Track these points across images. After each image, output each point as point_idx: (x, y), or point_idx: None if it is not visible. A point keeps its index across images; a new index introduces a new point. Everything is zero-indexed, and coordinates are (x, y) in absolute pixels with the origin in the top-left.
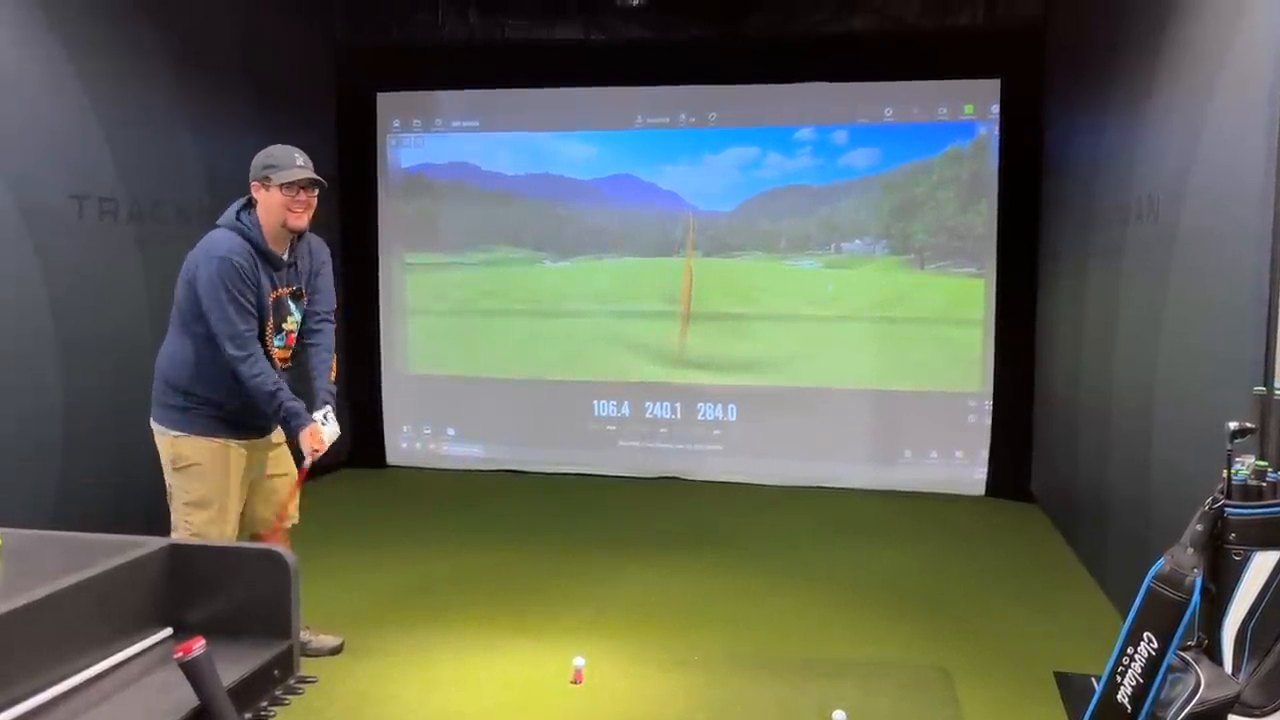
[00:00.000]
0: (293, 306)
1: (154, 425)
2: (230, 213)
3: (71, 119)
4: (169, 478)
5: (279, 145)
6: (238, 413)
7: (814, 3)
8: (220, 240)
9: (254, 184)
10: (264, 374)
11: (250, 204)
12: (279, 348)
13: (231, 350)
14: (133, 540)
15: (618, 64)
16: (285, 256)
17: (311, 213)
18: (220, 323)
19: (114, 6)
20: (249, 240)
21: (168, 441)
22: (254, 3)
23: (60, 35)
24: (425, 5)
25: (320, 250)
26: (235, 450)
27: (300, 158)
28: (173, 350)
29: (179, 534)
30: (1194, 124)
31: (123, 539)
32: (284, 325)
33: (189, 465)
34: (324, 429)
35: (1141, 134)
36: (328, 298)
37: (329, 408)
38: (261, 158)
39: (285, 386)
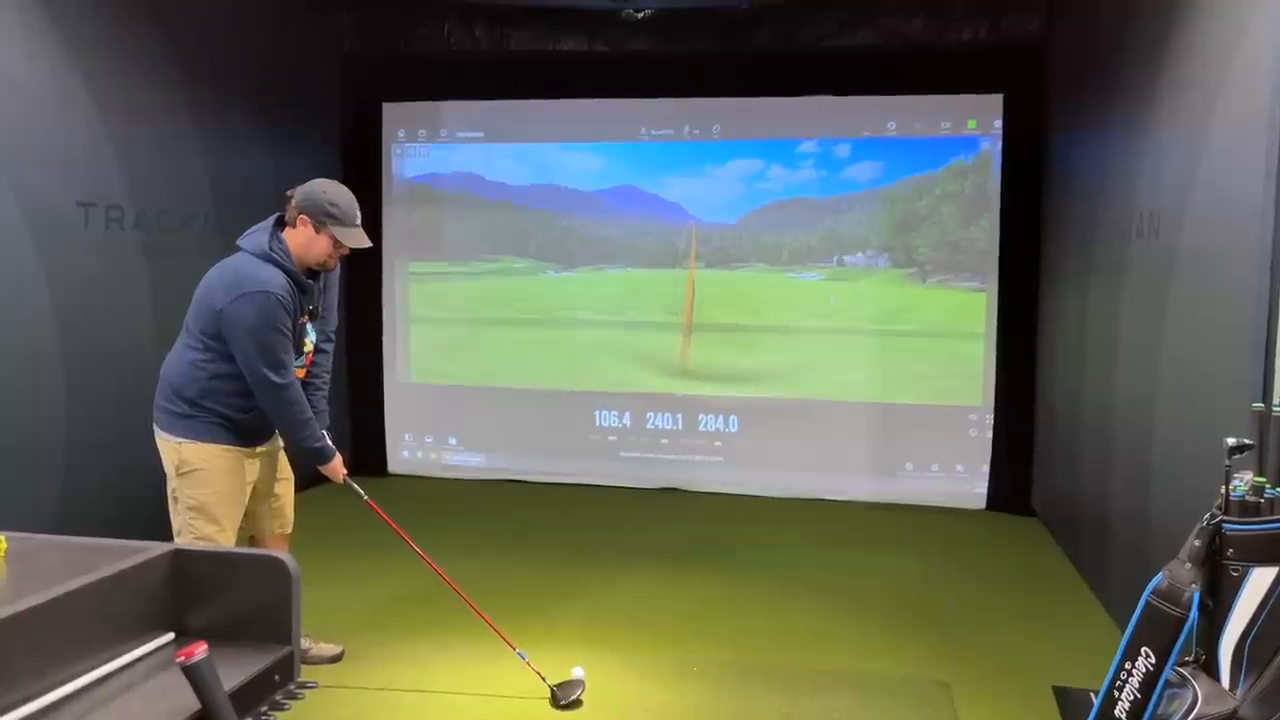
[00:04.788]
0: (309, 328)
1: (158, 431)
2: (261, 238)
3: (78, 127)
4: (173, 483)
5: (341, 189)
6: (245, 423)
7: (818, 17)
8: (258, 272)
9: (304, 217)
10: (300, 403)
11: (278, 224)
12: (297, 367)
13: (275, 378)
14: (136, 545)
15: (622, 76)
16: (308, 280)
17: None
18: (262, 353)
19: (121, 16)
20: (284, 270)
21: (173, 447)
22: (261, 12)
23: (68, 44)
24: (431, 17)
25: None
26: (241, 457)
27: (359, 214)
28: (183, 361)
29: (182, 540)
30: (1194, 141)
31: (126, 544)
32: (304, 348)
33: (194, 471)
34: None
35: (1142, 150)
36: (332, 317)
37: (327, 432)
38: (321, 196)
39: (314, 418)
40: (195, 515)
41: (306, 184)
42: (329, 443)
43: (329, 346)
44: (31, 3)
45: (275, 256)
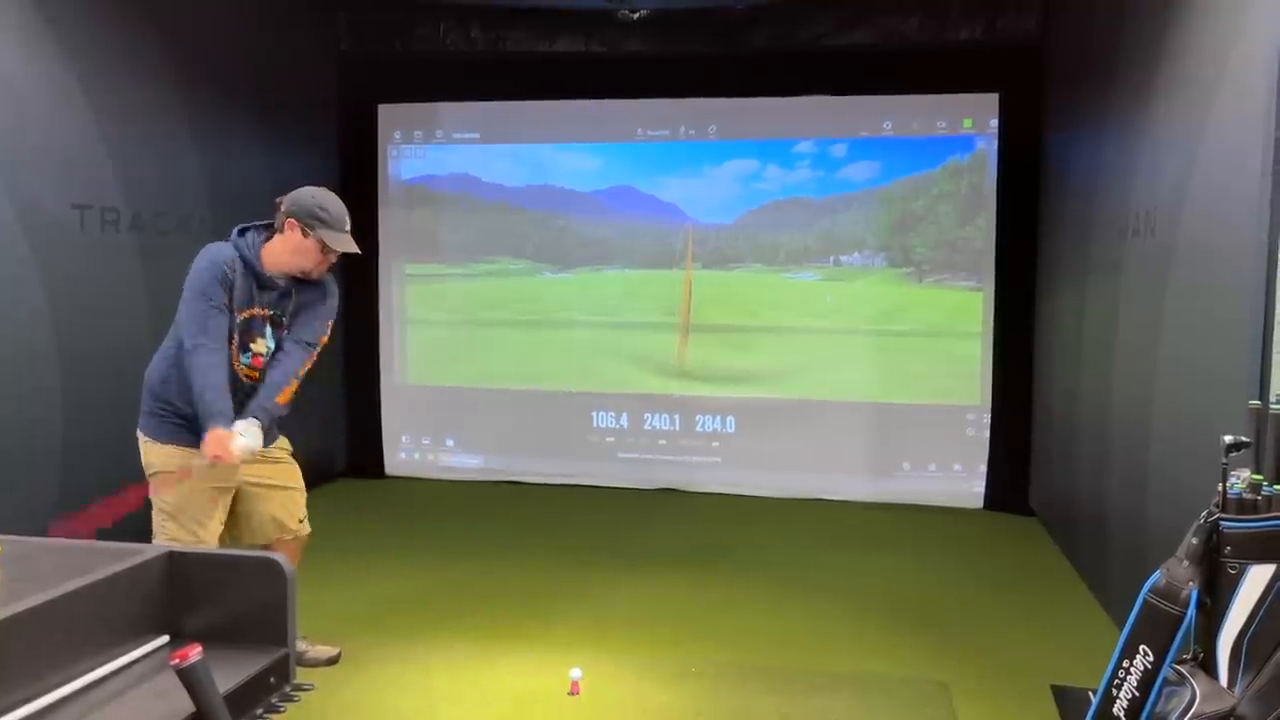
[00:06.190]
0: (267, 331)
1: (137, 431)
2: (234, 231)
3: (74, 130)
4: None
5: (330, 195)
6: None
7: (815, 17)
8: (213, 246)
9: (292, 221)
10: (206, 368)
11: (261, 229)
12: (245, 366)
13: (187, 341)
14: (130, 548)
15: (618, 77)
16: (281, 283)
17: None
18: (186, 314)
19: (117, 17)
20: (241, 256)
21: (142, 448)
22: (257, 14)
23: (63, 46)
24: (427, 18)
25: (329, 286)
26: (202, 460)
27: (348, 220)
28: (159, 357)
29: (156, 541)
30: (1191, 140)
31: (120, 546)
32: (251, 345)
33: (157, 473)
34: (237, 439)
35: (1139, 149)
36: (313, 330)
37: (256, 424)
38: (310, 200)
39: (219, 389)
40: (166, 519)
41: (295, 191)
42: (219, 414)
43: (296, 350)
44: (27, 3)
45: (239, 244)
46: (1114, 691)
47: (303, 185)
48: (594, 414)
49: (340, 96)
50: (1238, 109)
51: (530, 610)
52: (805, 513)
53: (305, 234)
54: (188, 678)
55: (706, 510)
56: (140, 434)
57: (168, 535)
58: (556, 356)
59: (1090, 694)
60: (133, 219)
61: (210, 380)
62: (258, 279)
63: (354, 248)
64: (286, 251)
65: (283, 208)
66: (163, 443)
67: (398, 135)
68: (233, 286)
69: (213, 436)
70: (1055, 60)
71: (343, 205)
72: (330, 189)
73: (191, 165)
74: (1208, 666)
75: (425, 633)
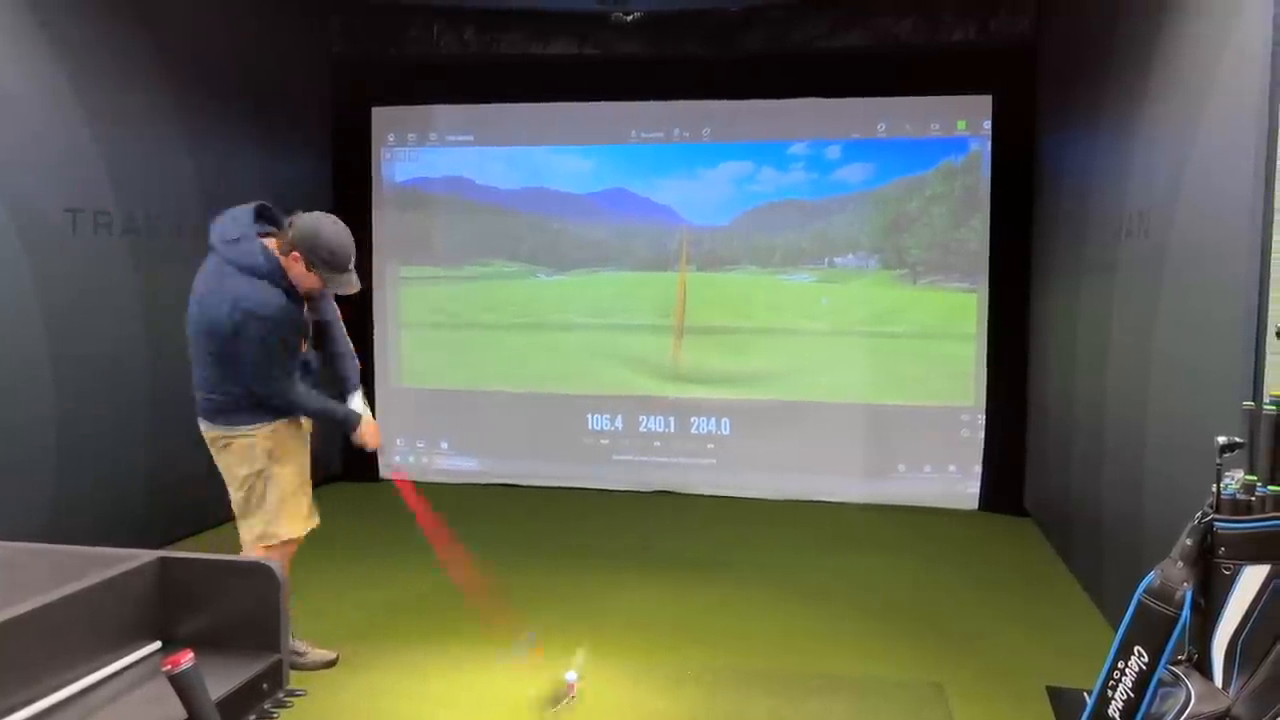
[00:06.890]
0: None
1: (232, 431)
2: (260, 259)
3: (67, 133)
4: (267, 470)
5: (339, 233)
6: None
7: (809, 19)
8: (269, 295)
9: (297, 253)
10: (305, 390)
11: (267, 249)
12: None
13: (278, 384)
14: (123, 554)
15: (612, 79)
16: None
17: None
18: (270, 365)
19: (110, 21)
20: (286, 292)
21: (262, 437)
22: (250, 17)
23: (56, 50)
24: (421, 20)
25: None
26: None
27: (353, 258)
28: (225, 372)
29: (274, 532)
30: (1184, 141)
31: (113, 552)
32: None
33: (275, 449)
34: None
35: (1132, 150)
36: (331, 306)
37: (360, 392)
38: (318, 240)
39: (328, 399)
40: (296, 496)
41: (309, 220)
42: (351, 410)
43: (339, 323)
44: (19, 6)
45: (283, 282)
46: (1109, 692)
47: (296, 188)
48: (589, 416)
49: (334, 99)
50: (1231, 110)
51: (526, 613)
52: (801, 515)
53: (308, 268)
54: (180, 684)
55: (702, 513)
56: (246, 429)
57: (302, 512)
58: (551, 359)
59: (1085, 695)
60: (125, 222)
61: (319, 398)
62: (298, 302)
63: (356, 288)
64: (293, 276)
65: (290, 234)
66: (263, 422)
67: (391, 138)
68: (300, 322)
69: (369, 431)
70: (1049, 62)
71: (350, 245)
72: (323, 191)
73: (185, 168)
74: (1202, 667)
75: (421, 637)
